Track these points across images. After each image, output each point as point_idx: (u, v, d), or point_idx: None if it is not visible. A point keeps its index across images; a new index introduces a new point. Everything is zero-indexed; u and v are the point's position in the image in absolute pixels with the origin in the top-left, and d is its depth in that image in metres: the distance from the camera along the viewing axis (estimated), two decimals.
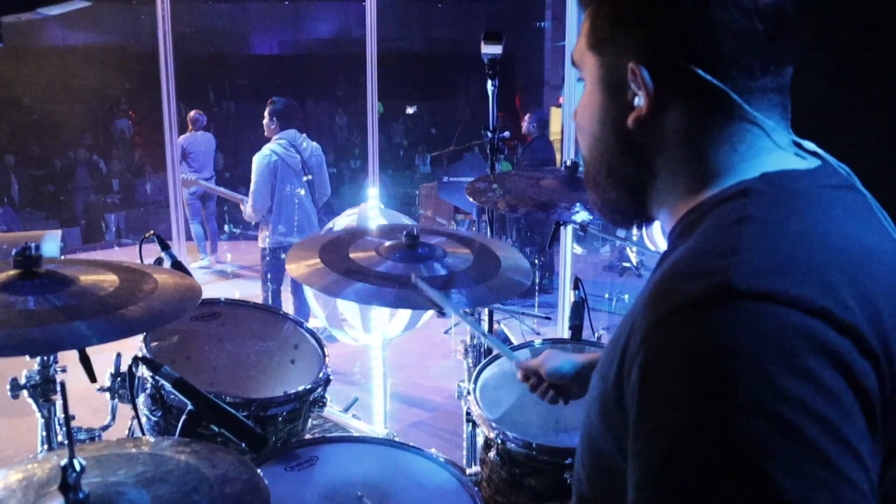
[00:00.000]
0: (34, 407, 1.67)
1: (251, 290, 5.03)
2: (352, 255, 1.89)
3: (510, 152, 9.83)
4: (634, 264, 7.56)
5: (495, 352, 2.10)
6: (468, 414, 1.86)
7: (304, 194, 4.85)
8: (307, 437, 1.93)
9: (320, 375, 1.91)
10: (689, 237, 0.77)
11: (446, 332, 5.68)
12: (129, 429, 1.91)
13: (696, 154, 0.79)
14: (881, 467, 0.63)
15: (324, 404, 1.91)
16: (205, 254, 8.15)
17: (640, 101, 0.79)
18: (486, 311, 2.65)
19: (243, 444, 1.46)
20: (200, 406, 1.47)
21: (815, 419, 0.58)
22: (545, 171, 2.46)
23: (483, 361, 2.01)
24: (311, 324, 2.28)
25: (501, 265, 1.94)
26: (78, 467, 1.05)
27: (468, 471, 1.73)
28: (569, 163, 2.38)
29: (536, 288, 6.32)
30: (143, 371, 1.74)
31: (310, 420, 1.97)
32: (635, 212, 0.89)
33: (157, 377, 1.58)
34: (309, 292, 4.58)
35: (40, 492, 1.14)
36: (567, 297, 4.37)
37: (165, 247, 2.09)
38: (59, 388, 1.65)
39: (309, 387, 1.84)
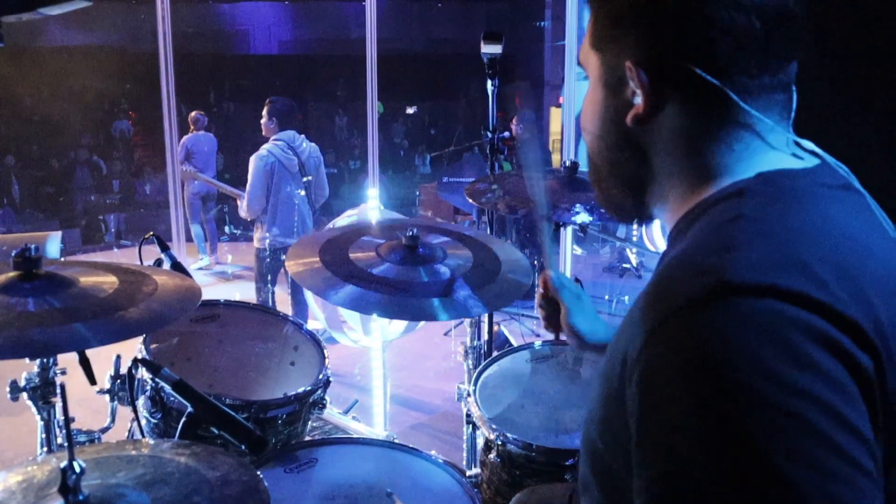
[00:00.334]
0: (34, 409, 1.67)
1: (251, 292, 5.03)
2: (351, 256, 1.89)
3: (510, 152, 9.83)
4: (634, 265, 7.56)
5: (495, 353, 2.10)
6: (468, 416, 1.86)
7: (301, 196, 4.85)
8: (307, 439, 1.93)
9: (320, 377, 1.91)
10: (684, 237, 0.77)
11: (446, 334, 5.68)
12: (129, 431, 1.91)
13: (694, 153, 0.80)
14: (884, 463, 0.63)
15: (323, 406, 1.91)
16: (204, 254, 8.16)
17: (638, 99, 0.80)
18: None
19: (243, 446, 1.46)
20: (200, 408, 1.46)
21: (822, 409, 0.58)
22: (545, 172, 2.45)
23: (483, 363, 2.01)
24: (311, 325, 2.28)
25: (501, 266, 1.94)
26: (78, 469, 1.05)
27: (468, 472, 1.73)
28: (568, 163, 2.38)
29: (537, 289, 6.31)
30: (142, 373, 1.74)
31: (309, 422, 1.97)
32: (636, 209, 0.90)
33: (156, 379, 1.58)
34: (309, 293, 4.58)
35: (40, 494, 1.13)
36: None
37: (165, 248, 2.09)
38: (58, 391, 1.65)
39: (309, 389, 1.84)
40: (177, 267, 1.99)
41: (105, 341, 1.36)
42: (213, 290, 7.09)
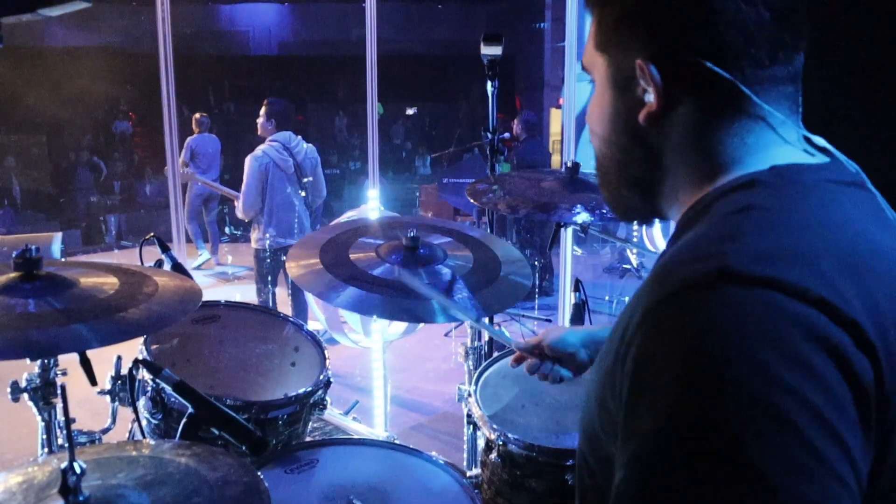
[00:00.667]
0: (34, 410, 1.67)
1: (252, 293, 5.04)
2: (351, 257, 1.89)
3: (510, 153, 9.83)
4: (635, 266, 7.56)
5: (496, 354, 2.10)
6: (469, 416, 1.86)
7: (297, 197, 4.86)
8: (307, 439, 1.93)
9: (321, 378, 1.91)
10: (694, 226, 0.77)
11: (447, 335, 5.68)
12: (130, 432, 1.91)
13: (706, 148, 0.79)
14: (876, 460, 0.62)
15: (324, 407, 1.91)
16: (202, 249, 8.16)
17: (650, 97, 0.79)
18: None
19: (244, 447, 1.46)
20: (201, 409, 1.46)
21: (805, 409, 0.57)
22: (545, 173, 2.45)
23: (484, 364, 2.01)
24: (312, 326, 2.28)
25: (502, 268, 1.94)
26: (78, 470, 1.05)
27: (469, 473, 1.73)
28: (569, 164, 2.37)
29: (536, 290, 6.32)
30: (143, 374, 1.74)
31: (310, 423, 1.97)
32: (647, 209, 0.90)
33: (157, 380, 1.58)
34: (310, 295, 4.58)
35: (40, 495, 1.13)
36: (567, 299, 4.37)
37: (166, 249, 2.09)
38: (59, 391, 1.65)
39: (309, 389, 1.84)
40: (177, 268, 1.99)
41: (106, 342, 1.36)
42: (213, 291, 7.09)
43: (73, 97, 11.72)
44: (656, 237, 6.11)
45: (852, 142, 0.90)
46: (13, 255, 1.47)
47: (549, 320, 5.62)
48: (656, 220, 0.93)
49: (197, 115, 8.10)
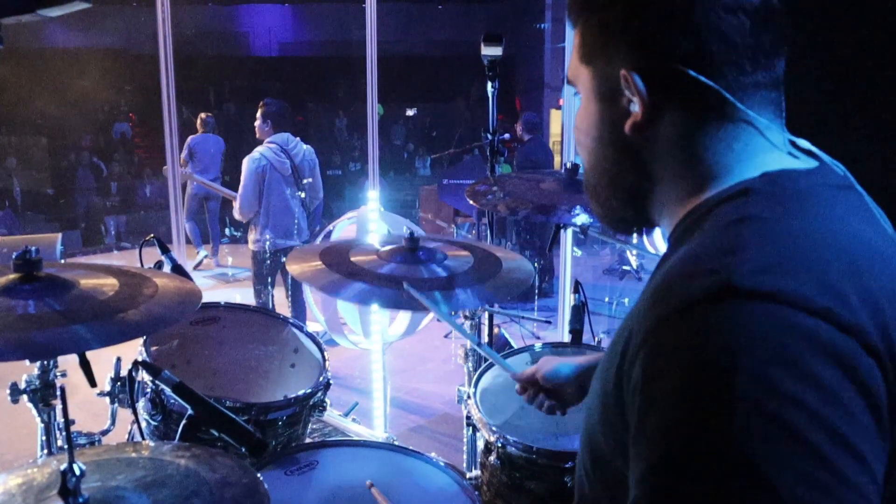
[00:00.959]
0: (34, 411, 1.67)
1: (251, 294, 5.04)
2: (353, 259, 1.89)
3: (510, 154, 9.84)
4: (634, 267, 7.56)
5: None
6: (468, 418, 1.86)
7: (295, 198, 4.86)
8: (307, 441, 1.93)
9: (320, 379, 1.91)
10: (689, 238, 0.77)
11: (446, 336, 5.68)
12: (129, 433, 1.91)
13: (694, 156, 0.80)
14: (892, 465, 0.63)
15: (324, 408, 1.91)
16: (200, 248, 8.16)
17: (635, 107, 0.80)
18: (486, 314, 2.65)
19: (243, 449, 1.46)
20: (200, 410, 1.46)
21: (816, 421, 0.57)
22: (545, 174, 2.45)
23: (483, 365, 2.01)
24: (311, 328, 2.28)
25: (502, 265, 1.94)
26: (78, 472, 1.05)
27: (468, 475, 1.73)
28: (569, 165, 2.37)
29: (536, 291, 6.32)
30: (143, 375, 1.74)
31: (310, 424, 1.97)
32: (637, 219, 0.90)
33: (157, 381, 1.58)
34: (310, 296, 4.58)
35: (40, 496, 1.13)
36: (567, 300, 4.37)
37: (165, 250, 2.09)
38: (58, 393, 1.64)
39: (309, 391, 1.84)
40: (177, 269, 1.99)
41: (105, 343, 1.35)
42: (213, 293, 7.09)
43: (73, 98, 11.73)
44: (656, 239, 6.10)
45: (844, 144, 0.91)
46: (13, 257, 1.47)
47: (549, 321, 5.62)
48: (655, 229, 0.93)
49: (202, 115, 8.12)
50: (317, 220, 5.20)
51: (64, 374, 1.69)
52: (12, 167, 11.49)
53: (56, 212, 11.17)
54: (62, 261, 2.27)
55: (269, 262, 4.84)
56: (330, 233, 4.52)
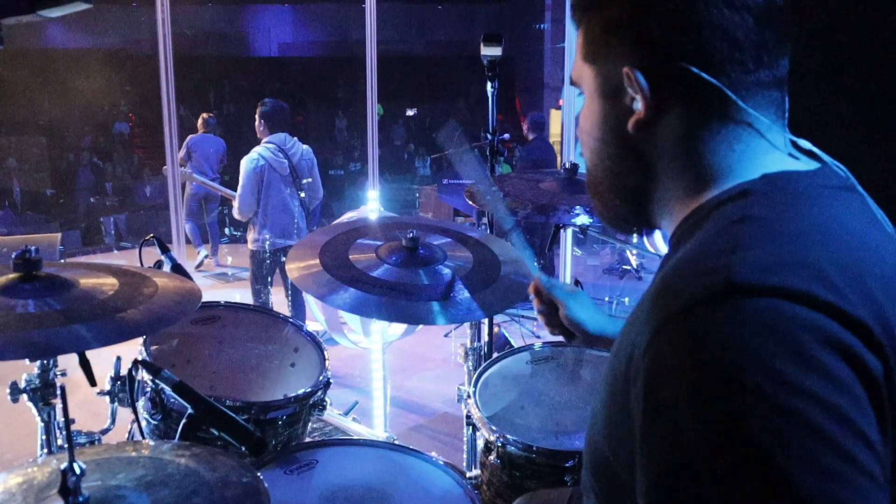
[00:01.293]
0: (34, 411, 1.67)
1: (251, 294, 5.05)
2: (351, 258, 1.89)
3: (509, 154, 9.84)
4: (634, 267, 7.56)
5: (496, 355, 2.10)
6: (468, 417, 1.86)
7: (293, 198, 4.86)
8: (307, 440, 1.93)
9: (320, 379, 1.91)
10: (690, 240, 0.77)
11: (446, 336, 5.68)
12: (129, 432, 1.91)
13: (695, 156, 0.80)
14: (892, 466, 0.62)
15: (324, 408, 1.91)
16: (200, 248, 8.16)
17: (638, 105, 0.79)
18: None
19: (243, 448, 1.46)
20: (200, 409, 1.46)
21: (828, 411, 0.57)
22: (545, 174, 2.46)
23: (483, 365, 2.01)
24: (311, 327, 2.28)
25: (502, 268, 1.94)
26: (78, 471, 1.05)
27: (468, 474, 1.73)
28: (568, 165, 2.38)
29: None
30: (142, 375, 1.74)
31: (310, 424, 1.97)
32: (638, 219, 0.90)
33: (156, 381, 1.58)
34: (309, 296, 4.58)
35: (40, 495, 1.13)
36: None
37: (165, 250, 2.09)
38: (58, 392, 1.65)
39: (309, 390, 1.84)
40: (177, 269, 1.99)
41: (105, 343, 1.36)
42: (213, 292, 7.09)
43: (73, 98, 11.73)
44: (656, 238, 6.11)
45: (846, 144, 0.91)
46: (13, 256, 1.47)
47: None
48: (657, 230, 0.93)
49: (204, 115, 8.11)
50: (315, 220, 5.20)
51: (64, 374, 1.69)
52: (12, 167, 11.49)
53: (56, 211, 11.17)
54: (62, 260, 2.27)
55: (268, 261, 4.85)
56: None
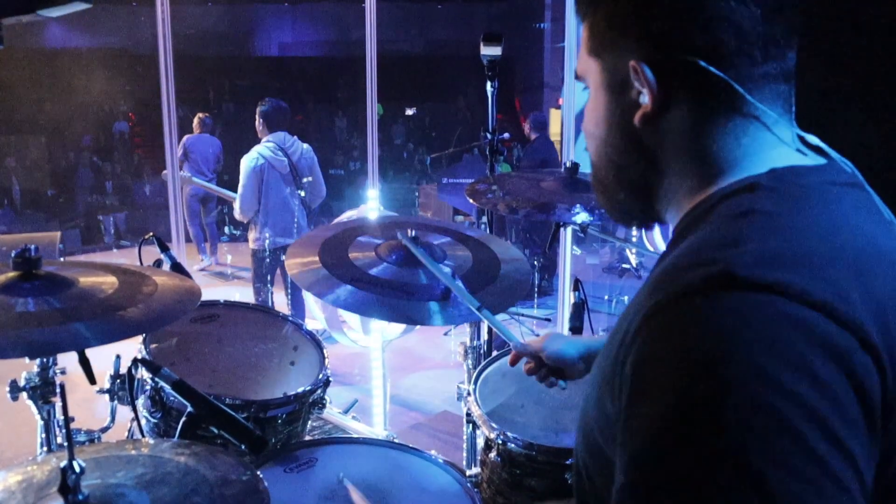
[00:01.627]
0: (34, 409, 1.67)
1: (251, 292, 5.05)
2: (350, 256, 1.89)
3: (509, 154, 9.84)
4: (634, 266, 7.57)
5: (495, 353, 2.10)
6: (468, 415, 1.86)
7: (293, 197, 4.86)
8: (307, 438, 1.93)
9: (320, 377, 1.91)
10: (693, 231, 0.76)
11: (446, 334, 5.68)
12: (129, 431, 1.91)
13: (702, 149, 0.79)
14: (883, 462, 0.62)
15: (323, 406, 1.91)
16: (205, 255, 8.17)
17: (644, 98, 0.79)
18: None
19: (243, 446, 1.46)
20: (200, 408, 1.46)
21: (807, 414, 0.57)
22: (545, 173, 2.46)
23: (483, 363, 2.01)
24: (311, 325, 2.28)
25: (501, 267, 1.94)
26: (77, 469, 1.05)
27: (468, 472, 1.73)
28: (569, 164, 2.38)
29: (536, 289, 6.32)
30: (142, 373, 1.74)
31: (309, 422, 1.97)
32: (643, 212, 0.90)
33: (156, 379, 1.58)
34: (309, 295, 4.58)
35: (40, 493, 1.14)
36: (567, 298, 4.37)
37: (165, 248, 2.09)
38: (58, 390, 1.65)
39: (308, 388, 1.84)
40: (176, 267, 1.99)
41: (105, 341, 1.36)
42: (212, 291, 7.09)
43: (73, 98, 11.73)
44: (656, 237, 6.11)
45: (851, 141, 0.91)
46: (13, 255, 1.47)
47: (549, 319, 5.62)
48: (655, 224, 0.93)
49: (200, 115, 8.09)
50: (314, 219, 5.20)
51: (63, 372, 1.69)
52: (12, 166, 11.49)
53: (55, 210, 11.17)
54: (62, 259, 2.27)
55: (268, 260, 4.85)
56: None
